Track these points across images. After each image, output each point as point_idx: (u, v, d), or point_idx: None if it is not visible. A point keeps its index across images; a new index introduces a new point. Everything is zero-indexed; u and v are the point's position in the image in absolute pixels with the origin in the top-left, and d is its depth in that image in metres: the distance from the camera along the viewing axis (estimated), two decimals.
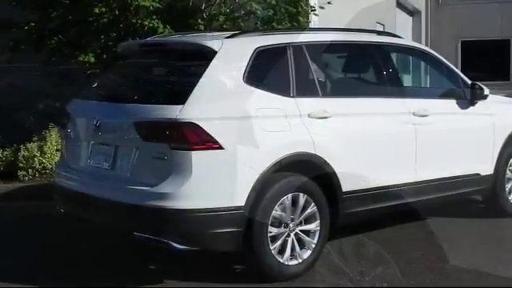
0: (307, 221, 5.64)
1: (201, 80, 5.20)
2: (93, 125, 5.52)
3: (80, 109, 5.95)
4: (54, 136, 9.68)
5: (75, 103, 6.10)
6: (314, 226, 5.67)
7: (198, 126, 5.04)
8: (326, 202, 5.73)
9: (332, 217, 5.80)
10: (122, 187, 5.28)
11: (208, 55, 5.33)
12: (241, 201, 5.16)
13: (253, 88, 5.40)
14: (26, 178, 9.40)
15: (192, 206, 5.03)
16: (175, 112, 5.04)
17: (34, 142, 9.65)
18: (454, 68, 7.35)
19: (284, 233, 5.48)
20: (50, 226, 7.11)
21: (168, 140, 5.04)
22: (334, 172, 5.71)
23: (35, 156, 9.47)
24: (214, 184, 5.10)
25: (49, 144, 9.58)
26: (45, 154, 9.51)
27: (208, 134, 5.05)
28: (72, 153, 5.98)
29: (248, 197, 5.18)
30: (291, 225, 5.51)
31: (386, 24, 15.69)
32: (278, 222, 5.43)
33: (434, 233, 6.66)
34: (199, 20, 9.33)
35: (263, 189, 5.27)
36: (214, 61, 5.29)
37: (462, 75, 7.19)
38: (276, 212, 5.38)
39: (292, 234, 5.54)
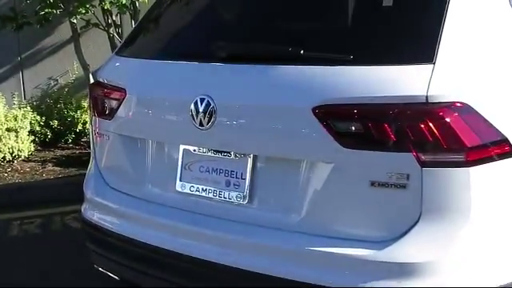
0: None
1: (449, 10, 2.34)
2: (193, 111, 2.58)
3: (148, 78, 2.96)
4: (1, 110, 6.52)
5: (129, 66, 3.11)
6: None
7: (474, 111, 2.22)
8: None
9: None
10: (287, 246, 2.44)
11: None
12: None
13: None
14: None
15: None
16: (420, 83, 2.21)
17: None
18: None
19: None
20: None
21: (412, 145, 2.21)
22: None
23: None
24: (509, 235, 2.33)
25: None
26: None
27: (493, 126, 2.25)
28: (130, 164, 3.01)
29: None
30: None
31: None
32: None
33: None
34: None
35: None
36: None
37: None
38: None
39: None
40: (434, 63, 2.28)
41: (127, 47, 3.22)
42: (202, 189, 2.73)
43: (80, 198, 5.73)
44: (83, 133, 7.46)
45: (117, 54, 3.25)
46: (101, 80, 3.17)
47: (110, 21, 6.94)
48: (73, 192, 5.84)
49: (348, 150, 2.33)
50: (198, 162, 2.76)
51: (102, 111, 3.11)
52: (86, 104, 7.52)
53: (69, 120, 7.28)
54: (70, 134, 7.35)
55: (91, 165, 3.32)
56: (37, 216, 5.47)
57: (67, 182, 6.05)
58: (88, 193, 3.25)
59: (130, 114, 2.97)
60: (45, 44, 7.86)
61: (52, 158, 6.80)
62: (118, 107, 2.98)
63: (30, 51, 7.87)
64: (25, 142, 6.58)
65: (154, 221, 2.86)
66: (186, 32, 3.06)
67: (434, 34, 2.33)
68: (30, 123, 6.85)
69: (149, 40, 3.20)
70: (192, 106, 2.63)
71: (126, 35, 7.20)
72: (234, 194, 2.63)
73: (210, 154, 2.72)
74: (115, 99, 3.01)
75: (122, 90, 2.96)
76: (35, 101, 7.58)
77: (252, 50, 2.63)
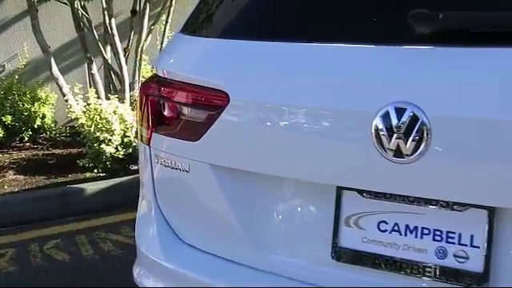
0: None
1: None
2: (381, 130, 1.51)
3: (273, 73, 1.76)
4: None
5: (227, 53, 1.90)
6: None
7: None
8: None
9: None
10: None
11: None
12: None
13: None
14: None
15: None
16: None
17: None
18: None
19: None
20: None
21: None
22: None
23: None
24: None
25: None
26: None
27: None
28: (233, 212, 1.85)
29: None
30: None
31: None
32: None
33: None
34: None
35: None
36: None
37: None
38: None
39: None
40: None
41: (206, 21, 2.02)
42: (387, 260, 1.61)
43: (60, 216, 4.56)
44: (42, 129, 6.21)
45: (184, 32, 2.05)
46: (166, 75, 1.97)
47: None
48: (47, 209, 4.62)
49: None
50: (374, 214, 1.64)
51: (176, 126, 1.92)
52: (43, 94, 6.27)
53: (25, 114, 6.00)
54: (27, 130, 6.11)
55: (146, 205, 2.14)
56: (6, 245, 4.22)
57: (38, 195, 4.82)
58: (145, 248, 2.07)
59: (238, 133, 1.79)
60: None
61: (11, 163, 5.52)
62: (212, 121, 1.81)
63: None
64: None
65: None
66: None
67: None
68: None
69: (258, 4, 1.96)
70: (377, 121, 1.51)
71: (93, 10, 5.95)
72: (458, 270, 1.52)
73: (400, 202, 1.58)
74: (206, 108, 1.84)
75: (220, 94, 1.79)
76: None
77: (500, 19, 1.49)
